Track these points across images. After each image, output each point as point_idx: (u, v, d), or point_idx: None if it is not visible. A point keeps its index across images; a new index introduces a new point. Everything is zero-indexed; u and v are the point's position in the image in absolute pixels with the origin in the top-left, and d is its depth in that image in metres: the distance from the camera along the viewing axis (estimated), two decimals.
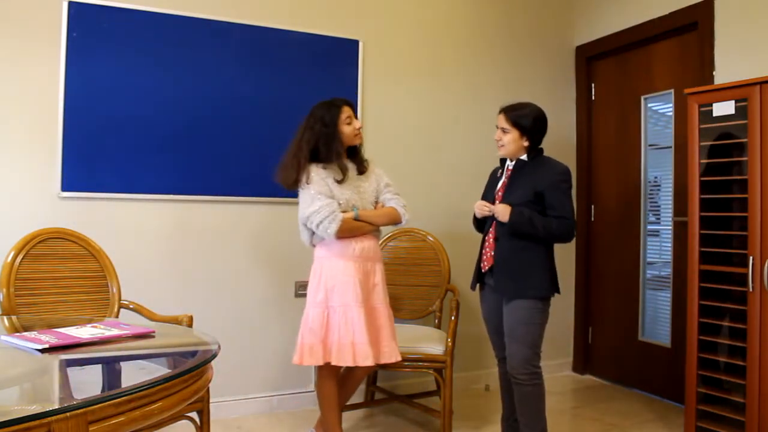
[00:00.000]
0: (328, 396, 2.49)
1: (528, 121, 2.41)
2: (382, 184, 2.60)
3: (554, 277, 2.45)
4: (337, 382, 2.52)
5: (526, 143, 2.43)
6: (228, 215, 3.09)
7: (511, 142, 2.43)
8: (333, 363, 2.38)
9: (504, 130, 2.45)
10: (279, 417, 2.86)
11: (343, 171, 2.46)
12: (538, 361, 2.39)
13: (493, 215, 2.42)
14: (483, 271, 2.50)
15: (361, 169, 2.55)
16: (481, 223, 2.56)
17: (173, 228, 2.98)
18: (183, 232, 3.00)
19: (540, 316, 2.39)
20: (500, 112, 2.48)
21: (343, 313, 2.37)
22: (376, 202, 2.58)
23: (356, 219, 2.43)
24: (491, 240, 2.45)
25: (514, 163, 2.49)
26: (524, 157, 2.46)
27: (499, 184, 2.52)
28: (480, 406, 3.38)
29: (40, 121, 2.72)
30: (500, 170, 2.58)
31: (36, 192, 2.72)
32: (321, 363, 2.38)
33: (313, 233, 2.45)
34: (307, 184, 2.40)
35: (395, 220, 2.55)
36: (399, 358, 2.48)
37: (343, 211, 2.40)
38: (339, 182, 2.45)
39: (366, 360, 2.34)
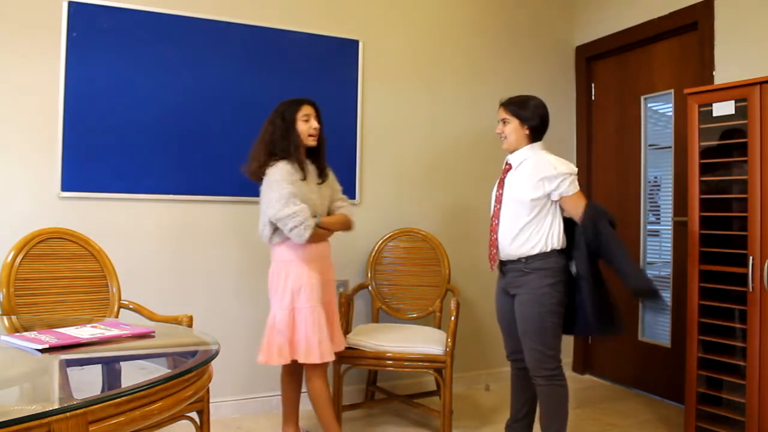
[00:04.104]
0: (321, 395, 2.53)
1: (526, 108, 2.42)
2: (335, 191, 2.69)
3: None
4: (326, 381, 2.57)
5: (527, 131, 2.43)
6: (228, 215, 3.09)
7: (512, 132, 2.44)
8: (300, 361, 2.48)
9: (504, 121, 2.46)
10: (279, 417, 2.86)
11: (303, 168, 2.51)
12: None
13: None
14: (491, 269, 2.52)
15: (323, 176, 2.61)
16: None
17: (173, 228, 2.98)
18: (183, 232, 3.00)
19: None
20: (500, 105, 2.50)
21: (310, 313, 2.48)
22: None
23: (318, 225, 2.48)
24: (494, 237, 2.46)
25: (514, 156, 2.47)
26: (525, 149, 2.44)
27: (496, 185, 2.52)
28: (480, 406, 3.38)
29: (40, 121, 2.72)
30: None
31: (36, 192, 2.72)
32: (288, 361, 2.49)
33: (274, 232, 2.49)
34: (278, 181, 2.41)
35: (349, 227, 2.67)
36: (345, 345, 2.73)
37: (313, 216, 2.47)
38: (303, 180, 2.49)
39: (330, 356, 2.50)
